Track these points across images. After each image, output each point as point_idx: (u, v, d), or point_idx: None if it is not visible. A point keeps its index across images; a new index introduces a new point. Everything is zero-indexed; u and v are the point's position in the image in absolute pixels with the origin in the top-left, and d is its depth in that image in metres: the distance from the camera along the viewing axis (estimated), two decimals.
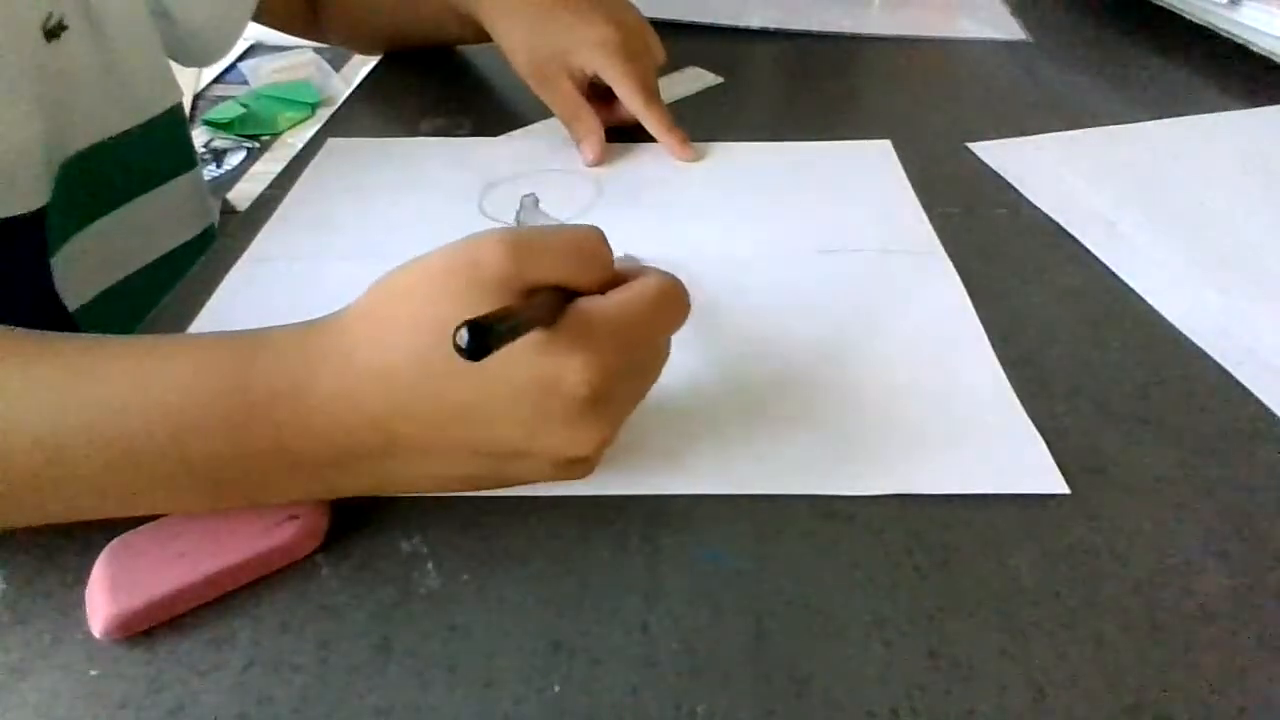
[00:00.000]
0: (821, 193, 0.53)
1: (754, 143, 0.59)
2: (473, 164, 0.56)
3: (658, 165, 0.56)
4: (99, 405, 0.29)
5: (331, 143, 0.59)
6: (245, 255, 0.47)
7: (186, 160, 0.60)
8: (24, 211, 0.45)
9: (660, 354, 0.33)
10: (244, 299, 0.44)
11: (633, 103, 0.56)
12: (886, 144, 0.58)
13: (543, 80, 0.58)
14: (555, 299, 0.29)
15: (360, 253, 0.47)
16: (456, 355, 0.23)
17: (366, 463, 0.30)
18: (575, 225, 0.31)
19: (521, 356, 0.28)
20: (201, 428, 0.29)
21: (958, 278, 0.45)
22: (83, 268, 0.52)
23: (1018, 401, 0.37)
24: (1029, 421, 0.36)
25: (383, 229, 0.49)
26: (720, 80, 0.69)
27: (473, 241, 0.29)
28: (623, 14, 0.59)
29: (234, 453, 0.29)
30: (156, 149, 0.57)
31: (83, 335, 0.31)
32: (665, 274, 0.32)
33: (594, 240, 0.31)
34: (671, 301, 0.31)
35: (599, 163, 0.56)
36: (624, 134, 0.58)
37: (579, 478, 0.32)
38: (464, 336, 0.23)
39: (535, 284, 0.29)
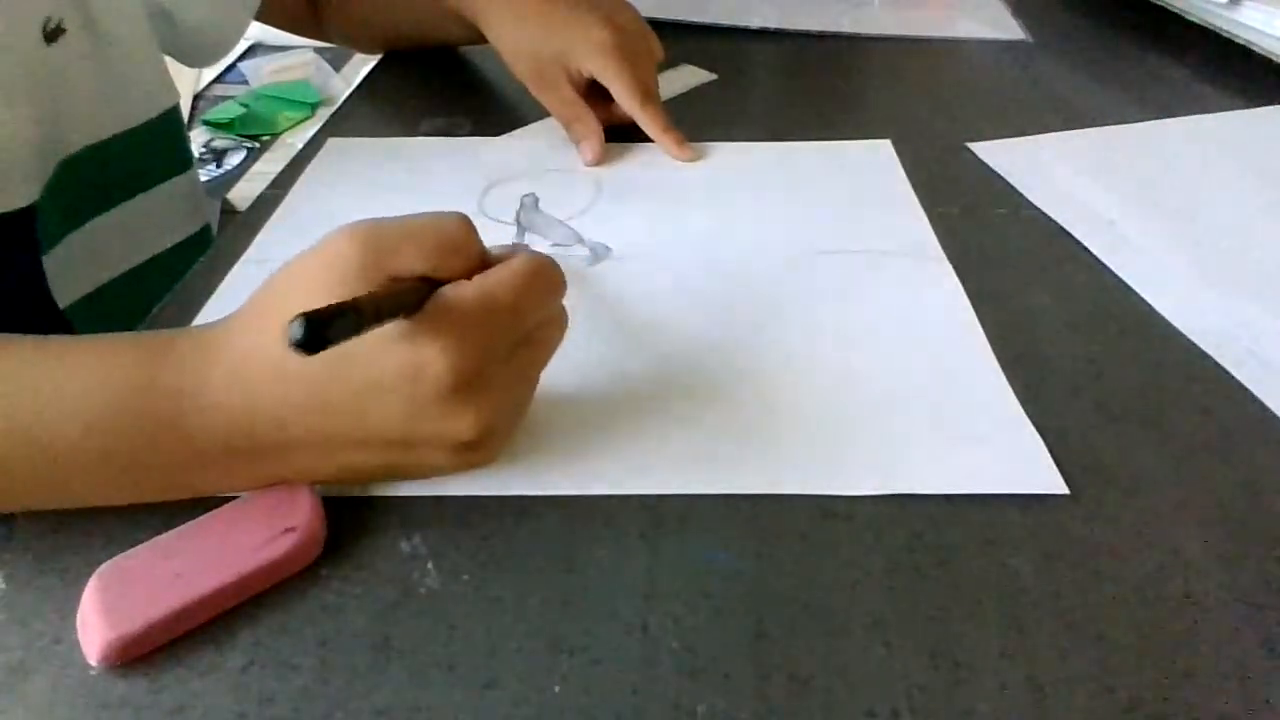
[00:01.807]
0: (822, 193, 0.53)
1: (753, 142, 0.59)
2: (473, 164, 0.56)
3: (657, 165, 0.56)
4: (12, 404, 0.30)
5: (332, 142, 0.59)
6: (245, 255, 0.47)
7: (182, 162, 0.61)
8: (13, 208, 0.46)
9: (549, 327, 0.33)
10: (244, 299, 0.44)
11: (629, 104, 0.56)
12: (886, 144, 0.58)
13: (541, 82, 0.58)
14: (417, 288, 0.29)
15: None
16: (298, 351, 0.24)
17: (269, 457, 0.31)
18: (440, 214, 0.31)
19: (382, 347, 0.29)
20: (111, 426, 0.30)
21: (956, 278, 0.45)
22: (75, 266, 0.52)
23: (1017, 401, 0.37)
24: (1028, 421, 0.36)
25: None
26: (714, 77, 0.69)
27: (333, 236, 0.30)
28: (620, 15, 0.59)
29: (143, 448, 0.30)
30: (152, 151, 0.57)
31: None
32: (535, 254, 0.33)
33: (457, 228, 0.31)
34: (537, 279, 0.32)
35: (599, 163, 0.56)
36: (623, 133, 0.58)
37: (482, 464, 0.33)
38: (296, 330, 0.23)
39: (397, 274, 0.29)
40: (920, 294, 0.44)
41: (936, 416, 0.36)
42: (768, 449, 0.35)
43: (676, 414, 0.36)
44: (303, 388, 0.30)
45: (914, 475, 0.33)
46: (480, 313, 0.30)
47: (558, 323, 0.34)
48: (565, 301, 0.34)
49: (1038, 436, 0.35)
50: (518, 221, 0.49)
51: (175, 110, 0.58)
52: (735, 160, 0.57)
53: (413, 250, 0.30)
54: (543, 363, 0.34)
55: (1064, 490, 0.33)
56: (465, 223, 0.32)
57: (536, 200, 0.51)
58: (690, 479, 0.33)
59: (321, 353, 0.24)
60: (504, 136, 0.60)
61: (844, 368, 0.39)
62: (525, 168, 0.56)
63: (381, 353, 0.29)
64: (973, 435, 0.35)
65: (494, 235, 0.47)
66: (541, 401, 0.36)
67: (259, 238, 0.49)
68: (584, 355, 0.40)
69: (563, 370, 0.38)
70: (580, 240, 0.48)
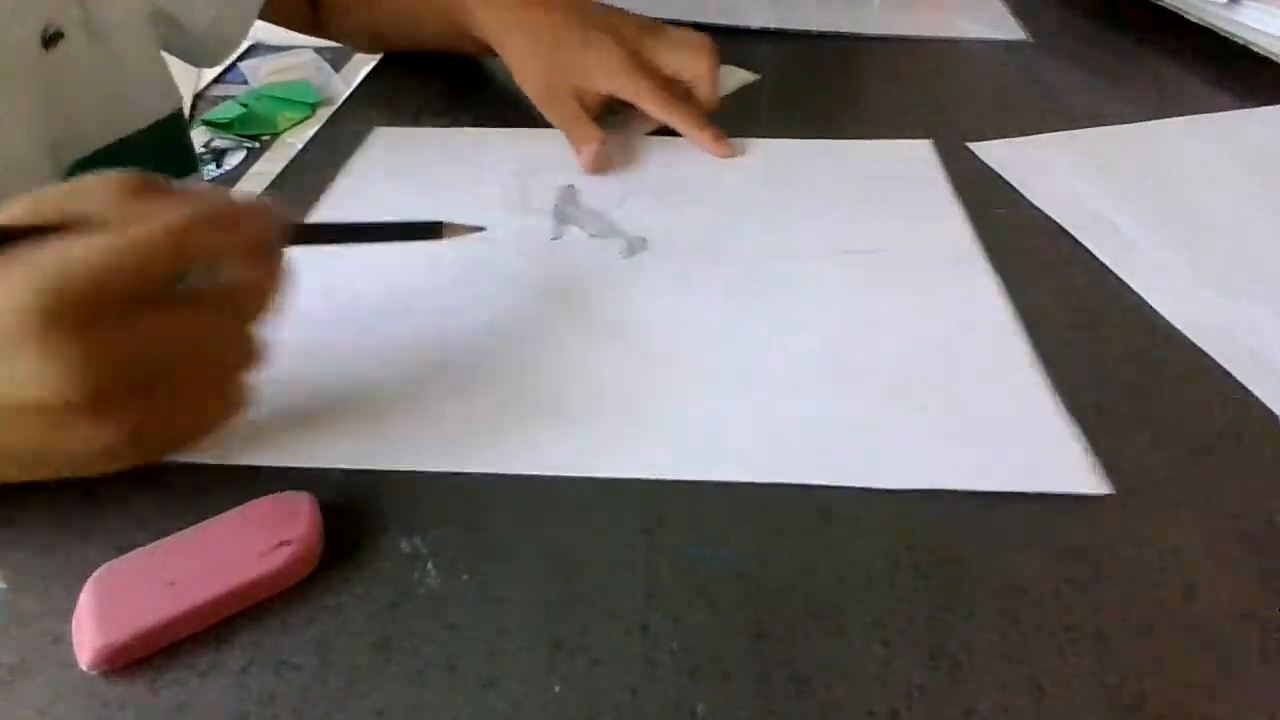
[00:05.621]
0: (859, 191, 0.53)
1: (793, 139, 0.58)
2: (513, 155, 0.56)
3: (691, 160, 0.56)
4: None
5: (378, 131, 0.59)
6: None
7: (188, 165, 0.60)
8: None
9: (244, 285, 0.29)
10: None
11: (656, 114, 0.56)
12: (927, 144, 0.58)
13: (548, 100, 0.58)
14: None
15: None
16: None
17: None
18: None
19: None
20: None
21: (996, 279, 0.44)
22: None
23: (1057, 401, 0.37)
24: (1070, 421, 0.35)
25: (426, 216, 0.49)
26: (758, 77, 0.68)
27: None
28: (624, 27, 0.59)
29: None
30: (157, 155, 0.57)
31: None
32: (206, 196, 0.29)
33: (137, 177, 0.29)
34: (192, 225, 0.28)
35: (595, 171, 0.55)
36: (661, 129, 0.58)
37: (109, 450, 0.27)
38: None
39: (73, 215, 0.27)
40: (957, 294, 0.43)
41: (973, 414, 0.36)
42: (802, 441, 0.35)
43: (708, 404, 0.37)
44: None
45: (955, 472, 0.33)
46: (86, 254, 0.25)
47: (255, 280, 0.29)
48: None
49: (1081, 437, 0.35)
50: (555, 212, 0.50)
51: (179, 114, 0.58)
52: (771, 156, 0.56)
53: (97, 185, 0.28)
54: (210, 324, 0.28)
55: (1108, 490, 0.33)
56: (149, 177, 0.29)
57: (575, 191, 0.51)
58: (713, 467, 0.34)
59: None
60: (543, 130, 0.60)
61: (878, 365, 0.39)
62: (565, 159, 0.56)
63: None
64: (1012, 434, 0.35)
65: (533, 225, 0.48)
66: (569, 389, 0.37)
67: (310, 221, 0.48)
68: (616, 345, 0.40)
69: (595, 359, 0.39)
70: (617, 232, 0.48)
